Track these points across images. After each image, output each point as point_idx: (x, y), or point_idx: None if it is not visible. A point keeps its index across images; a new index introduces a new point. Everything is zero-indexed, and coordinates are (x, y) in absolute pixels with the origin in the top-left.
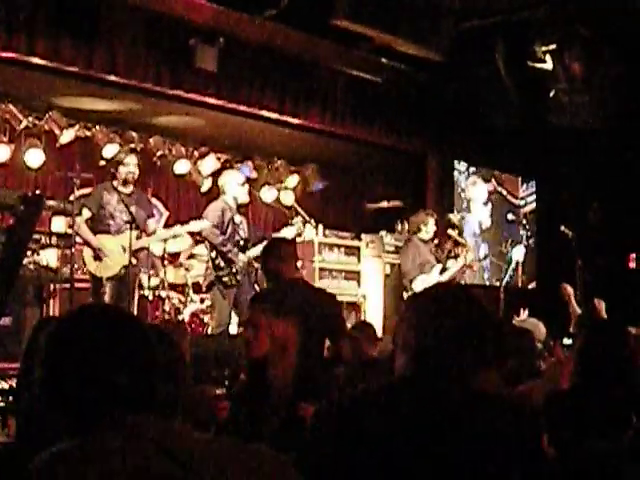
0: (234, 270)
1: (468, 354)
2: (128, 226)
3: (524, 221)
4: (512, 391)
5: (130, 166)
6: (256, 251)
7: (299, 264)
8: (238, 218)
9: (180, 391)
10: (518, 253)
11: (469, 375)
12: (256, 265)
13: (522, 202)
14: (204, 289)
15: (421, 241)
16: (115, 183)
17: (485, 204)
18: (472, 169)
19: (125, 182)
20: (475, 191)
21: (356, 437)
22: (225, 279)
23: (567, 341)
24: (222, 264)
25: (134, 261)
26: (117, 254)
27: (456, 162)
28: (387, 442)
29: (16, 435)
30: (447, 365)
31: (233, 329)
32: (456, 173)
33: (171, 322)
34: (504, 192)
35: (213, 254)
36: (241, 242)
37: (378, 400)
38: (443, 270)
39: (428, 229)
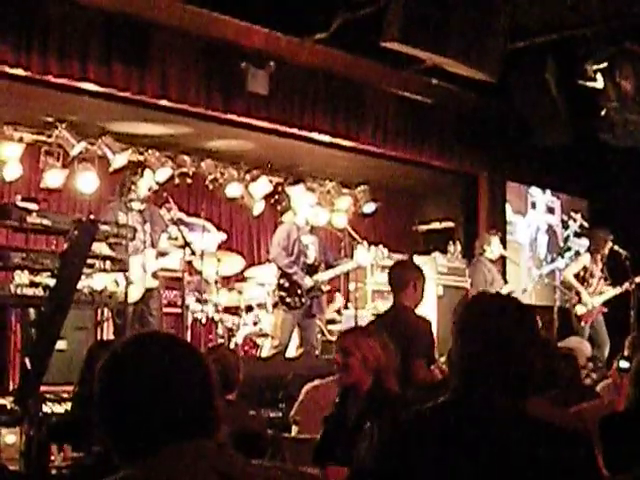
0: (299, 292)
1: (514, 383)
2: (145, 246)
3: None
4: (566, 413)
5: (150, 180)
6: (325, 275)
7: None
8: (309, 239)
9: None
10: (560, 263)
11: (517, 400)
12: (324, 288)
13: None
14: (270, 309)
15: (489, 261)
16: (131, 202)
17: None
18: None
19: (143, 199)
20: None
21: (405, 462)
22: (288, 300)
23: (624, 364)
24: (286, 285)
25: (156, 282)
26: (139, 275)
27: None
28: (434, 465)
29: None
30: (493, 390)
31: (291, 352)
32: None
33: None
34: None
35: (279, 274)
36: (308, 265)
37: (425, 424)
38: None
39: (492, 248)
